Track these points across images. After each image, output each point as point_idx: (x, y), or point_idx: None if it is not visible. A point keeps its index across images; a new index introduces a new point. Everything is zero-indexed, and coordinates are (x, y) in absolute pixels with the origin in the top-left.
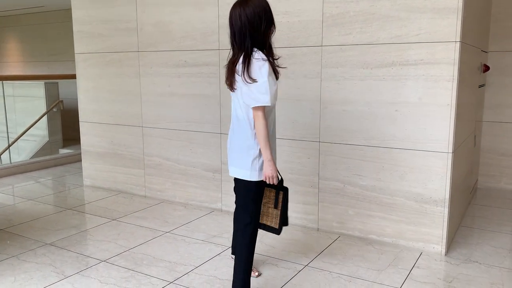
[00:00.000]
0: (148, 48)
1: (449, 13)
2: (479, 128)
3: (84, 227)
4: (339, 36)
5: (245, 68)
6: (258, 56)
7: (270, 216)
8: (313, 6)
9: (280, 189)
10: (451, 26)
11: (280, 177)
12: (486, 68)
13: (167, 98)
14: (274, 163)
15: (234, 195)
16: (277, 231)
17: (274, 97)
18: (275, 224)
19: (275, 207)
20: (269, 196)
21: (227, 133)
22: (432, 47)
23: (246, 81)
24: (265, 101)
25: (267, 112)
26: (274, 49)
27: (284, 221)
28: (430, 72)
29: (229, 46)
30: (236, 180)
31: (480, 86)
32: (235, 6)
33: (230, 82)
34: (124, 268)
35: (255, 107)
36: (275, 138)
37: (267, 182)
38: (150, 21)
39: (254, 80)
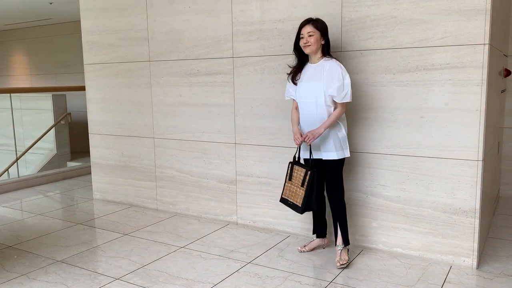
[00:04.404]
0: (159, 57)
1: (476, 15)
2: (501, 134)
3: (96, 243)
4: (359, 41)
5: None
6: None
7: (296, 194)
8: (331, 11)
9: (310, 169)
10: (479, 28)
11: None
12: (508, 73)
13: (179, 108)
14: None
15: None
16: (300, 210)
17: None
18: (299, 202)
19: (302, 185)
20: (299, 176)
21: (242, 143)
22: (458, 50)
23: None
24: None
25: None
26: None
27: (309, 204)
28: (457, 77)
29: (244, 54)
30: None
31: (501, 91)
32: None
33: None
34: (139, 286)
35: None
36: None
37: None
38: (161, 30)
39: None
